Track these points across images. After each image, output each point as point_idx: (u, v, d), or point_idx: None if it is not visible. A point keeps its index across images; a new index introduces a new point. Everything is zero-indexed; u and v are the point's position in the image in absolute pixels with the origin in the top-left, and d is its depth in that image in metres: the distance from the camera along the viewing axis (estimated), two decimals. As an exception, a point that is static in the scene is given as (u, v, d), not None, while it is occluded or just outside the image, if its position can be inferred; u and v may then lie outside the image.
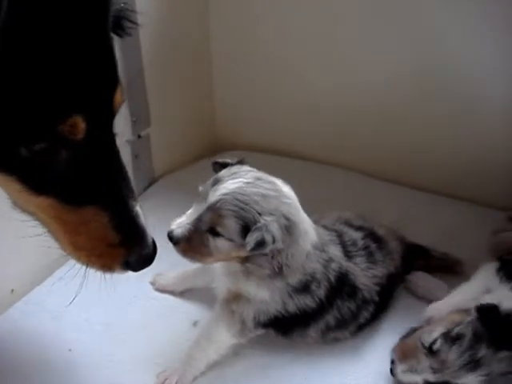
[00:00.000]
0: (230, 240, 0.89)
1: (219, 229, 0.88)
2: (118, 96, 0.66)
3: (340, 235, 1.05)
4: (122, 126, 1.35)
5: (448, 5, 1.27)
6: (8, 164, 0.62)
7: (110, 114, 0.66)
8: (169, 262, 1.02)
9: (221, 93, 1.65)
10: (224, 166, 0.95)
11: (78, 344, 1.04)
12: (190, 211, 0.92)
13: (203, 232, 0.89)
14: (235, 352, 1.03)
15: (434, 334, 0.91)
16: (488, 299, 0.94)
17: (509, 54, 1.26)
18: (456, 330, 0.90)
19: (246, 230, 0.87)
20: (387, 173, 1.50)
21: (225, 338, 0.98)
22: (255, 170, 0.94)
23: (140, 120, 1.39)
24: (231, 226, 0.88)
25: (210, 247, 0.90)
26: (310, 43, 1.47)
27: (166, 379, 0.97)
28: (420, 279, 1.15)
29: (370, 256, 1.05)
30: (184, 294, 1.15)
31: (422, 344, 0.91)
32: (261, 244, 0.87)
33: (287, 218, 0.90)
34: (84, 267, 0.74)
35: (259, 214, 0.88)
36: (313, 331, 1.01)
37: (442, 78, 1.35)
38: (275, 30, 1.49)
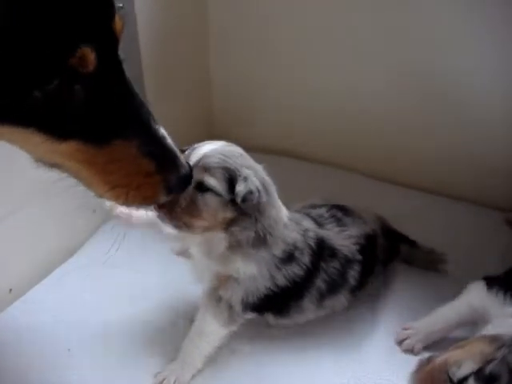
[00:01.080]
0: (217, 194, 0.89)
1: (206, 180, 0.88)
2: (117, 22, 0.64)
3: (307, 214, 1.07)
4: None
5: (447, 7, 1.28)
6: (25, 114, 0.60)
7: (115, 41, 0.65)
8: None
9: (219, 93, 1.65)
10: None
11: (76, 343, 1.04)
12: None
13: (191, 190, 0.89)
14: (232, 350, 1.03)
15: (463, 368, 0.84)
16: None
17: (508, 56, 1.27)
18: (490, 368, 0.82)
19: (230, 183, 0.89)
20: (385, 172, 1.51)
21: (214, 328, 0.98)
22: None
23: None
24: (218, 176, 0.89)
25: (199, 205, 0.90)
26: (310, 43, 1.47)
27: (163, 379, 0.97)
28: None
29: (338, 221, 1.08)
30: (182, 293, 1.15)
31: (450, 379, 0.84)
32: (249, 194, 0.89)
33: (261, 177, 0.94)
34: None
35: (241, 166, 0.91)
36: (308, 302, 1.02)
37: (441, 79, 1.36)
38: (275, 31, 1.50)
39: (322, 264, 1.01)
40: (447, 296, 1.10)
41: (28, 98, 0.58)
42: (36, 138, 0.62)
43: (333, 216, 1.08)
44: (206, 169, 0.89)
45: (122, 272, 1.17)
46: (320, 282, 1.01)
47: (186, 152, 0.92)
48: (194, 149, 0.92)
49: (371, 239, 1.09)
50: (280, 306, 1.01)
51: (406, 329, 1.05)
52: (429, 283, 1.18)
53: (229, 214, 0.91)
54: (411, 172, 1.49)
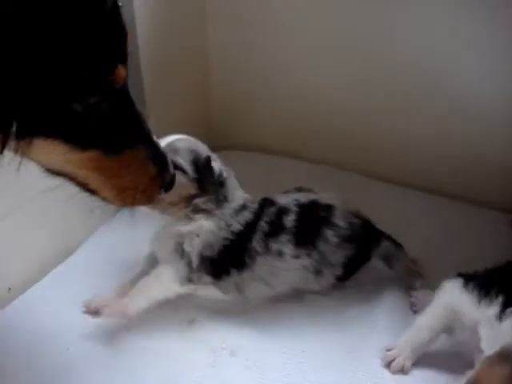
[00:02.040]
0: (185, 172, 1.05)
1: (176, 160, 1.03)
2: (128, 46, 0.73)
3: None
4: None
5: (447, 7, 1.28)
6: (57, 126, 0.66)
7: (126, 61, 0.73)
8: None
9: (218, 93, 1.65)
10: None
11: (76, 343, 1.04)
12: None
13: None
14: (232, 352, 1.03)
15: None
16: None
17: (508, 53, 1.27)
18: None
19: (195, 164, 1.06)
20: (385, 173, 1.51)
21: (171, 280, 1.07)
22: None
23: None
24: (185, 157, 1.05)
25: None
26: (308, 43, 1.48)
27: (105, 307, 1.03)
28: (424, 296, 1.10)
29: (285, 192, 1.20)
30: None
31: None
32: (220, 174, 1.09)
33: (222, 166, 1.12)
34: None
35: (205, 151, 1.10)
36: (256, 244, 1.09)
37: (441, 77, 1.36)
38: (273, 31, 1.50)
39: (265, 210, 1.12)
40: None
41: (69, 110, 0.65)
42: (59, 149, 0.68)
43: (283, 192, 1.20)
44: (175, 149, 1.05)
45: (121, 271, 1.17)
46: (262, 223, 1.10)
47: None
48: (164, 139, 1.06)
49: (320, 205, 1.14)
50: (235, 254, 1.08)
51: (389, 350, 1.01)
52: (427, 283, 1.17)
53: (193, 190, 1.07)
54: (411, 172, 1.50)
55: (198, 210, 1.08)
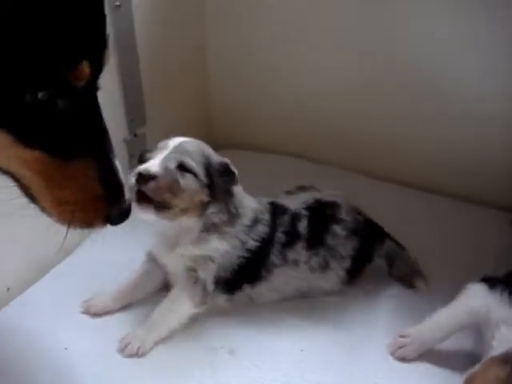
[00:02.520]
0: (196, 176, 0.99)
1: (188, 163, 0.98)
2: (107, 53, 0.68)
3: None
4: (117, 124, 1.35)
5: (447, 7, 1.28)
6: (4, 115, 0.62)
7: (101, 68, 0.68)
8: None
9: (217, 92, 1.65)
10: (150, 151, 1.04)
11: (74, 343, 1.04)
12: (152, 159, 0.99)
13: (173, 169, 0.97)
14: (230, 351, 1.03)
15: None
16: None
17: (508, 54, 1.27)
18: None
19: (207, 169, 1.01)
20: (385, 173, 1.51)
21: (187, 307, 1.04)
22: None
23: (136, 119, 1.39)
24: (197, 160, 1.00)
25: (180, 184, 0.98)
26: (308, 43, 1.48)
27: (128, 344, 1.01)
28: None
29: (289, 193, 1.20)
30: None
31: None
32: (235, 180, 1.04)
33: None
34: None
35: (214, 155, 1.04)
36: (274, 257, 1.08)
37: (441, 78, 1.36)
38: (272, 31, 1.50)
39: (278, 219, 1.10)
40: (446, 297, 1.11)
41: (18, 100, 0.60)
42: (6, 140, 0.63)
43: (286, 192, 1.20)
44: (187, 151, 1.00)
45: (120, 271, 1.17)
46: (279, 235, 1.08)
47: (158, 145, 1.02)
48: (168, 141, 1.02)
49: (323, 204, 1.14)
50: (253, 270, 1.07)
51: (402, 336, 1.01)
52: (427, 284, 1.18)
53: (205, 197, 1.01)
54: (411, 172, 1.49)
55: (209, 228, 1.03)
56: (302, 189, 1.20)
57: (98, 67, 0.67)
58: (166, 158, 0.98)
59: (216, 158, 1.04)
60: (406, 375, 0.99)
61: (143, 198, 0.96)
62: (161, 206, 0.97)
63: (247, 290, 1.08)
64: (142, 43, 1.34)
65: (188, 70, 1.56)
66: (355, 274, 1.16)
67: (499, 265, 1.17)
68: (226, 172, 1.03)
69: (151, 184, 0.95)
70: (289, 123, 1.60)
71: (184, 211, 1.01)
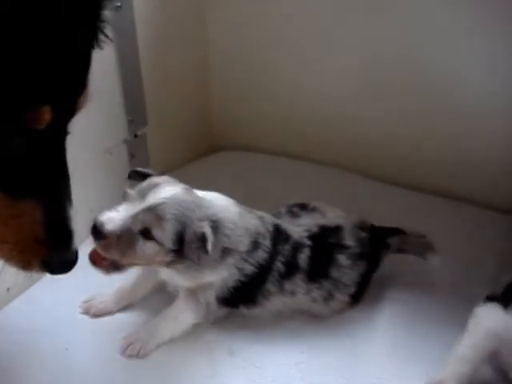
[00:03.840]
0: (161, 245, 0.91)
1: (155, 231, 0.90)
2: (83, 98, 0.67)
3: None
4: (118, 125, 1.35)
5: (447, 7, 1.28)
6: None
7: (72, 113, 0.67)
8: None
9: (218, 92, 1.65)
10: (143, 175, 0.98)
11: (74, 343, 1.04)
12: (121, 208, 0.92)
13: (134, 233, 0.90)
14: (230, 352, 1.03)
15: None
16: None
17: (508, 53, 1.26)
18: None
19: (180, 235, 0.91)
20: (385, 173, 1.51)
21: (191, 319, 1.03)
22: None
23: (137, 119, 1.39)
24: (169, 229, 0.90)
25: (136, 249, 0.92)
26: (308, 43, 1.47)
27: (130, 344, 1.01)
28: None
29: (292, 214, 1.13)
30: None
31: None
32: (212, 246, 0.93)
33: (212, 220, 0.96)
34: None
35: (199, 220, 0.93)
36: (270, 285, 1.05)
37: (440, 78, 1.35)
38: (273, 31, 1.50)
39: (279, 247, 1.05)
40: (446, 298, 1.11)
41: None
42: None
43: (289, 211, 1.13)
44: (160, 218, 0.90)
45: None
46: (278, 264, 1.04)
47: (144, 184, 0.94)
48: (154, 187, 0.93)
49: (327, 230, 1.10)
50: (248, 294, 1.04)
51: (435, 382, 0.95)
52: (427, 285, 1.17)
53: (168, 258, 0.94)
54: (409, 173, 1.49)
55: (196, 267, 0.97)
56: (304, 208, 1.14)
57: (67, 112, 0.66)
58: (133, 217, 0.90)
59: (195, 225, 0.93)
60: (407, 378, 0.99)
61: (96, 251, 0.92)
62: (112, 264, 0.94)
63: (243, 310, 1.07)
64: (142, 44, 1.34)
65: (189, 70, 1.56)
66: (361, 295, 1.13)
67: (500, 266, 1.17)
68: (200, 241, 0.93)
69: (103, 242, 0.90)
70: (289, 124, 1.59)
71: (139, 264, 0.98)
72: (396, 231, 1.18)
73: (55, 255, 0.71)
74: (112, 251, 0.91)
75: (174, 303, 1.05)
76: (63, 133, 0.68)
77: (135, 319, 1.09)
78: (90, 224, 0.90)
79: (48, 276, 1.15)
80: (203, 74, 1.62)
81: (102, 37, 0.73)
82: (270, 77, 1.56)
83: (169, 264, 0.97)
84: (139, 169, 1.01)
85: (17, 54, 0.57)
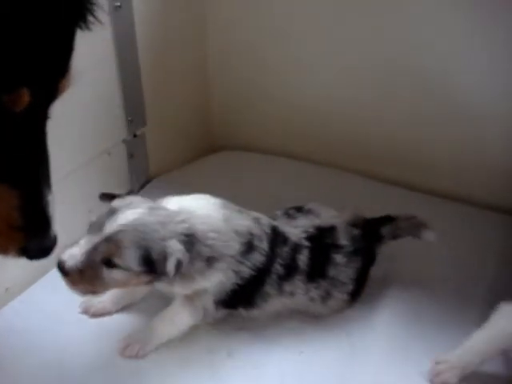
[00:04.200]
0: (128, 270, 0.91)
1: (116, 260, 0.89)
2: (64, 82, 0.65)
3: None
4: (117, 125, 1.35)
5: (444, 6, 1.28)
6: None
7: (52, 96, 0.65)
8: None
9: (218, 92, 1.65)
10: (113, 197, 0.98)
11: (73, 343, 1.03)
12: (82, 241, 0.92)
13: (97, 263, 0.90)
14: (229, 353, 1.03)
15: None
16: None
17: (509, 54, 1.26)
18: None
19: (146, 258, 0.90)
20: (385, 174, 1.50)
21: (188, 322, 1.03)
22: (146, 198, 0.98)
23: (136, 119, 1.39)
24: (131, 255, 0.89)
25: (105, 279, 0.92)
26: (308, 44, 1.47)
27: (128, 345, 1.01)
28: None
29: (289, 216, 1.12)
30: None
31: None
32: (179, 265, 0.91)
33: (185, 235, 0.94)
34: None
35: (162, 240, 0.91)
36: (269, 288, 1.04)
37: (441, 77, 1.35)
38: (273, 31, 1.49)
39: (277, 249, 1.04)
40: (446, 298, 1.11)
41: None
42: None
43: (285, 214, 1.13)
44: (118, 246, 0.89)
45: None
46: (277, 266, 1.04)
47: (99, 217, 0.93)
48: (112, 213, 0.91)
49: (323, 231, 1.10)
50: (246, 296, 1.04)
51: (438, 362, 0.97)
52: (428, 284, 1.17)
53: (143, 279, 0.94)
54: (410, 173, 1.49)
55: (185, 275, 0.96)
56: (299, 210, 1.14)
57: (47, 96, 0.64)
58: (93, 249, 0.90)
59: (159, 245, 0.91)
60: (406, 378, 0.99)
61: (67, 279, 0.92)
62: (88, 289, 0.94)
63: (242, 312, 1.07)
64: (142, 44, 1.34)
65: (188, 70, 1.56)
66: (359, 292, 1.13)
67: (500, 266, 1.16)
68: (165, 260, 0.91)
69: (67, 279, 0.91)
70: (289, 124, 1.59)
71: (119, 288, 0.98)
72: (387, 219, 1.18)
73: (33, 242, 0.70)
74: (79, 286, 0.92)
75: (171, 305, 1.05)
76: (43, 117, 0.66)
77: (134, 320, 1.09)
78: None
79: (47, 276, 1.17)
80: (203, 73, 1.62)
81: (91, 18, 0.70)
82: (270, 77, 1.56)
83: (148, 283, 0.96)
84: (107, 192, 1.00)
85: None
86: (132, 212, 0.91)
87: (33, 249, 0.71)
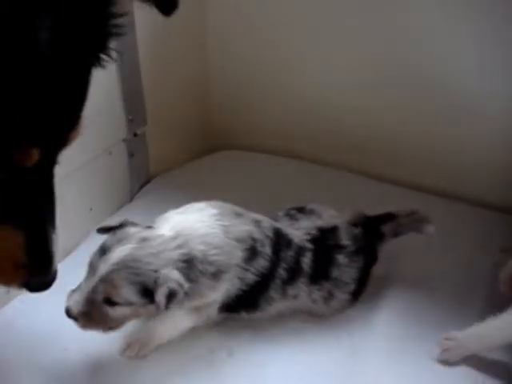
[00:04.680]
0: (130, 304, 0.92)
1: (115, 298, 0.91)
2: (75, 134, 0.66)
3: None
4: (117, 124, 1.35)
5: (444, 6, 1.28)
6: None
7: (62, 147, 0.66)
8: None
9: (218, 92, 1.65)
10: (109, 230, 0.97)
11: (73, 343, 1.03)
12: (82, 284, 0.94)
13: (99, 304, 0.92)
14: (229, 353, 1.03)
15: None
16: None
17: (509, 53, 1.26)
18: None
19: (145, 290, 0.90)
20: (385, 173, 1.51)
21: (190, 324, 1.03)
22: (138, 227, 0.97)
23: (136, 118, 1.39)
24: (128, 292, 0.90)
25: (111, 316, 0.93)
26: (308, 43, 1.47)
27: (128, 345, 1.01)
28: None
29: (291, 217, 1.11)
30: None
31: None
32: (172, 294, 0.90)
33: (183, 261, 0.93)
34: None
35: (155, 271, 0.90)
36: (273, 291, 1.04)
37: (440, 78, 1.35)
38: (273, 31, 1.49)
39: (281, 253, 1.03)
40: (446, 298, 1.11)
41: None
42: None
43: (287, 214, 1.12)
44: (115, 286, 0.90)
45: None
46: (281, 270, 1.03)
47: (93, 256, 0.93)
48: (104, 251, 0.91)
49: (326, 232, 1.10)
50: (250, 301, 1.04)
51: (447, 339, 0.98)
52: (427, 285, 1.17)
53: (151, 309, 0.93)
54: (408, 172, 1.49)
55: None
56: (301, 211, 1.13)
57: (57, 148, 0.65)
58: (92, 291, 0.91)
59: (153, 276, 0.90)
60: (406, 378, 0.99)
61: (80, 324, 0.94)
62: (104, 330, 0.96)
63: (244, 315, 1.06)
64: (142, 42, 1.34)
65: (188, 70, 1.55)
66: (361, 292, 1.13)
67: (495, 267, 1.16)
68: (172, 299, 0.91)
69: (78, 324, 0.93)
70: (289, 124, 1.59)
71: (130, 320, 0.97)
72: (387, 217, 1.18)
73: (35, 278, 0.72)
74: (91, 327, 0.94)
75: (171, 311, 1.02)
76: (51, 165, 0.67)
77: (134, 320, 1.09)
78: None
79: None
80: (204, 73, 1.62)
81: (104, 57, 0.71)
82: (270, 77, 1.56)
83: (158, 311, 0.95)
84: (102, 226, 1.00)
85: (5, 95, 0.56)
86: (121, 249, 0.91)
87: (35, 284, 0.73)
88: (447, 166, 1.45)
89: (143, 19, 1.33)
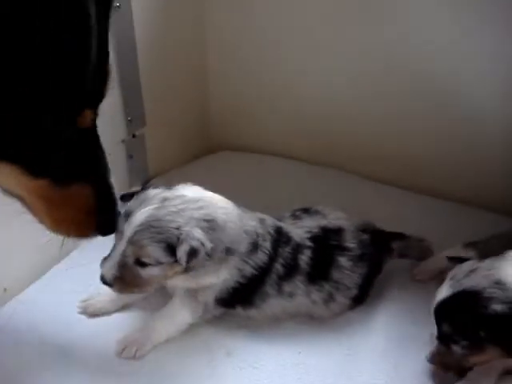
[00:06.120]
0: (160, 263, 0.94)
1: (144, 259, 0.93)
2: (108, 85, 0.73)
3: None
4: (116, 125, 1.35)
5: (444, 6, 1.28)
6: (18, 153, 0.68)
7: (101, 100, 0.73)
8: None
9: (217, 93, 1.65)
10: (132, 195, 1.00)
11: (71, 343, 1.03)
12: (112, 251, 0.96)
13: (131, 266, 0.95)
14: (228, 352, 1.03)
15: None
16: None
17: (509, 53, 1.26)
18: None
19: (171, 248, 0.93)
20: (385, 174, 1.51)
21: (187, 319, 1.04)
22: (161, 188, 0.99)
23: (135, 119, 1.39)
24: (155, 252, 0.93)
25: (143, 277, 0.96)
26: (307, 44, 1.47)
27: (126, 346, 1.01)
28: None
29: (295, 217, 1.12)
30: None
31: None
32: (193, 252, 0.92)
33: (206, 220, 0.96)
34: None
35: (177, 229, 0.92)
36: (269, 287, 1.05)
37: (441, 79, 1.35)
38: (271, 32, 1.50)
39: (279, 249, 1.04)
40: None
41: (32, 140, 0.66)
42: (13, 172, 0.69)
43: (292, 215, 1.13)
44: (140, 247, 0.93)
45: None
46: (278, 266, 1.04)
47: (121, 217, 0.94)
48: (128, 215, 0.94)
49: (328, 231, 1.10)
50: (246, 295, 1.04)
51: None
52: (426, 285, 1.15)
53: (179, 269, 0.96)
54: (410, 173, 1.49)
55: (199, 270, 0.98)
56: (306, 211, 1.14)
57: (99, 103, 0.73)
58: (122, 255, 0.94)
59: (175, 234, 0.93)
60: (404, 379, 0.98)
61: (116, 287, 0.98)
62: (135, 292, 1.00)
63: (240, 311, 1.07)
64: (141, 43, 1.34)
65: (188, 70, 1.56)
66: (363, 299, 1.13)
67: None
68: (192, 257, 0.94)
69: (113, 289, 0.97)
70: (289, 125, 1.59)
71: (160, 284, 1.01)
72: (398, 236, 1.18)
73: (105, 220, 0.82)
74: (127, 290, 0.99)
75: (169, 303, 1.05)
76: (95, 123, 0.75)
77: (133, 319, 1.09)
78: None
79: (45, 276, 1.17)
80: (202, 74, 1.62)
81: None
82: (269, 77, 1.56)
83: (187, 270, 0.97)
84: (125, 192, 1.01)
85: (70, 73, 0.65)
86: (143, 211, 0.94)
87: (105, 226, 0.83)
88: (448, 168, 1.44)
89: (142, 20, 1.33)
